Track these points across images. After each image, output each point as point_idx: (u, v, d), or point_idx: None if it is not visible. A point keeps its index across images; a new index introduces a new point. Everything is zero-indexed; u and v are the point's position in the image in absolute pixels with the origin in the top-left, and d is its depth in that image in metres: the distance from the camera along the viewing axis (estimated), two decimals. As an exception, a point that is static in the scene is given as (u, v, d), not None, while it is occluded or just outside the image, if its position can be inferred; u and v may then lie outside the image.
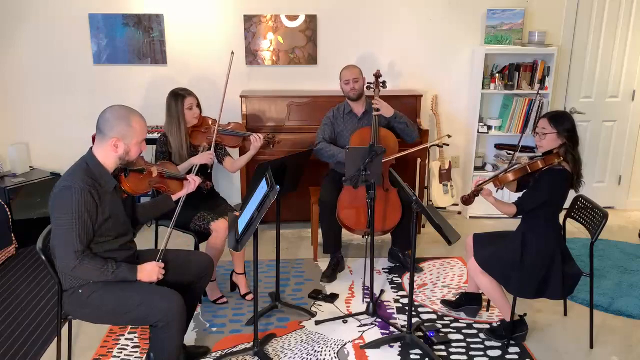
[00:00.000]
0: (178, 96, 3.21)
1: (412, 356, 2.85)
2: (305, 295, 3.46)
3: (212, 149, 3.26)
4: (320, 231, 3.85)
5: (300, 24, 4.53)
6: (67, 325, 2.64)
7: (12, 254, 3.99)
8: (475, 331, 3.08)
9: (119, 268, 2.29)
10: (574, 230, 3.99)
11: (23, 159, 4.46)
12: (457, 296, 3.34)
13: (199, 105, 3.30)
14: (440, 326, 3.12)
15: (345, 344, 2.95)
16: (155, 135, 4.13)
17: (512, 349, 2.90)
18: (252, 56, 4.57)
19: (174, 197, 2.74)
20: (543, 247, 2.78)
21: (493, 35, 4.55)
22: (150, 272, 2.36)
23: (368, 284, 3.31)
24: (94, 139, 2.50)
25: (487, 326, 3.09)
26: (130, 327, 3.07)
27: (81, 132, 4.30)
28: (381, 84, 3.71)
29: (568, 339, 3.01)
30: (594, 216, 2.87)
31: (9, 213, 3.95)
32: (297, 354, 2.86)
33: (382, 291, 3.54)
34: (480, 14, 4.59)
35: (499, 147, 4.82)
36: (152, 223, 4.47)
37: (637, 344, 2.99)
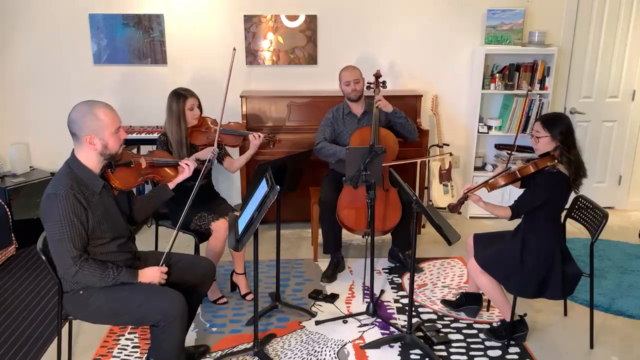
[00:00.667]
0: (180, 96, 3.21)
1: (412, 356, 2.85)
2: (305, 295, 3.46)
3: (215, 145, 3.25)
4: (320, 231, 3.85)
5: (300, 24, 4.53)
6: (67, 325, 2.65)
7: (12, 254, 3.99)
8: (475, 331, 3.08)
9: (120, 273, 2.28)
10: (574, 230, 3.99)
11: (23, 159, 4.45)
12: (457, 296, 3.34)
13: (199, 106, 3.30)
14: (440, 326, 3.12)
15: (345, 344, 2.95)
16: (156, 135, 4.14)
17: (512, 349, 2.90)
18: (252, 56, 4.57)
19: (171, 185, 2.71)
20: (543, 247, 2.78)
21: (493, 35, 4.55)
22: (151, 277, 2.36)
23: (368, 284, 3.31)
24: None
25: (487, 326, 3.09)
26: (131, 327, 3.07)
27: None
28: (381, 84, 3.71)
29: (568, 339, 3.01)
30: (594, 216, 2.87)
31: (9, 213, 3.95)
32: (297, 354, 2.86)
33: (382, 291, 3.54)
34: (480, 14, 4.59)
35: (499, 147, 4.82)
36: (152, 223, 4.48)
37: (637, 344, 2.99)
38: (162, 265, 2.43)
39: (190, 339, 2.93)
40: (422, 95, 4.52)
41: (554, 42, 4.64)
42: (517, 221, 2.95)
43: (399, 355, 2.86)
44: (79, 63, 4.52)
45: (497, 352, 2.88)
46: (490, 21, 4.52)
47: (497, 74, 4.56)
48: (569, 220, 3.06)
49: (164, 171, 2.73)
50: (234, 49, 3.42)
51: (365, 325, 3.14)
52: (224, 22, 4.52)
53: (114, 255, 2.36)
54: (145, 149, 4.06)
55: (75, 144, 2.28)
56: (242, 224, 2.52)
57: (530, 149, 4.58)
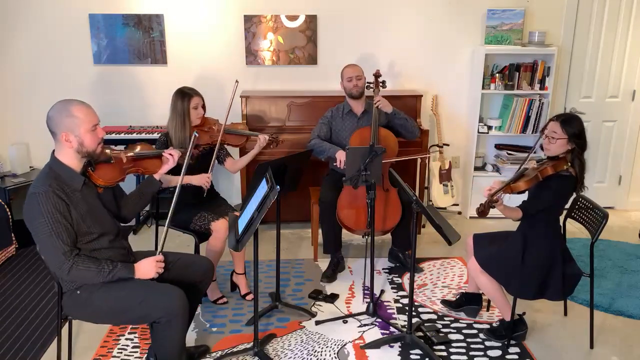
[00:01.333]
0: (185, 95, 3.21)
1: (412, 356, 2.85)
2: (305, 295, 3.46)
3: (211, 168, 3.24)
4: (320, 231, 3.85)
5: (300, 24, 4.53)
6: (67, 325, 2.65)
7: (12, 254, 3.99)
8: (475, 331, 3.08)
9: (116, 267, 2.28)
10: (574, 230, 3.99)
11: (23, 159, 4.46)
12: (457, 296, 3.34)
13: (204, 106, 3.30)
14: (440, 326, 3.12)
15: (345, 344, 2.95)
16: (156, 135, 4.14)
17: (512, 349, 2.90)
18: (252, 56, 4.57)
19: (157, 176, 2.70)
20: (543, 247, 2.77)
21: (493, 35, 4.55)
22: (147, 267, 2.35)
23: (368, 284, 3.31)
24: None
25: (487, 326, 3.09)
26: (131, 327, 3.07)
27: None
28: (381, 84, 3.72)
29: (568, 339, 3.01)
30: (594, 216, 2.87)
31: (9, 213, 3.95)
32: (297, 354, 2.86)
33: (382, 291, 3.54)
34: (480, 14, 4.59)
35: (499, 147, 4.82)
36: (152, 223, 4.49)
37: (637, 344, 2.99)
38: (158, 254, 2.41)
39: (190, 339, 2.93)
40: (422, 95, 4.52)
41: (554, 42, 4.64)
42: (518, 222, 2.95)
43: (399, 355, 2.86)
44: (79, 63, 4.52)
45: (497, 352, 2.88)
46: (490, 21, 4.52)
47: (497, 74, 4.56)
48: (569, 220, 3.06)
49: (147, 163, 2.70)
50: (237, 82, 3.42)
51: (365, 325, 3.14)
52: (224, 22, 4.52)
53: (106, 252, 2.35)
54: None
55: (55, 143, 2.30)
56: (242, 224, 2.52)
57: (530, 149, 4.60)
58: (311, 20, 4.52)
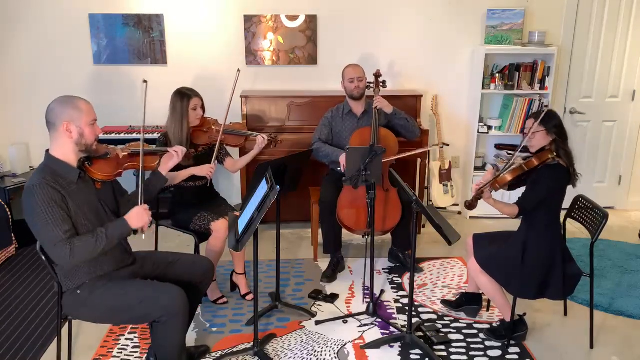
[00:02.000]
0: (184, 95, 3.21)
1: (412, 356, 2.85)
2: (305, 295, 3.46)
3: (214, 160, 3.24)
4: (320, 231, 3.85)
5: (300, 24, 4.53)
6: (67, 325, 2.65)
7: (12, 254, 3.99)
8: (475, 331, 3.08)
9: (109, 229, 2.26)
10: (574, 230, 3.99)
11: (23, 159, 4.46)
12: (457, 296, 3.34)
13: (203, 107, 3.30)
14: (440, 326, 3.12)
15: (345, 344, 2.95)
16: (156, 135, 4.14)
17: (512, 349, 2.90)
18: (252, 56, 4.57)
19: (163, 171, 2.70)
20: (544, 247, 2.78)
21: (493, 35, 4.55)
22: (138, 215, 2.32)
23: (368, 284, 3.31)
24: None
25: (487, 326, 3.09)
26: (131, 327, 3.07)
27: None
28: (381, 84, 3.72)
29: (568, 339, 3.01)
30: (594, 216, 2.87)
31: (9, 213, 3.95)
32: (297, 354, 2.86)
33: (382, 291, 3.54)
34: (480, 14, 4.59)
35: (499, 147, 4.82)
36: (152, 223, 4.48)
37: (637, 344, 2.99)
38: (140, 203, 2.38)
39: (190, 339, 2.93)
40: (422, 95, 4.52)
41: (554, 42, 4.64)
42: (518, 222, 2.95)
43: (399, 355, 2.86)
44: (79, 63, 4.52)
45: (497, 352, 2.88)
46: (490, 21, 4.52)
47: (497, 74, 4.56)
48: (569, 220, 3.06)
49: (144, 159, 2.69)
50: (238, 70, 3.42)
51: (365, 325, 3.14)
52: (224, 22, 4.52)
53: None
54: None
55: (51, 137, 2.31)
56: (242, 224, 2.52)
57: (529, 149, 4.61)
58: (311, 20, 4.52)
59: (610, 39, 4.67)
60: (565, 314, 3.25)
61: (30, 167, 4.51)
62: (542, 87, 4.56)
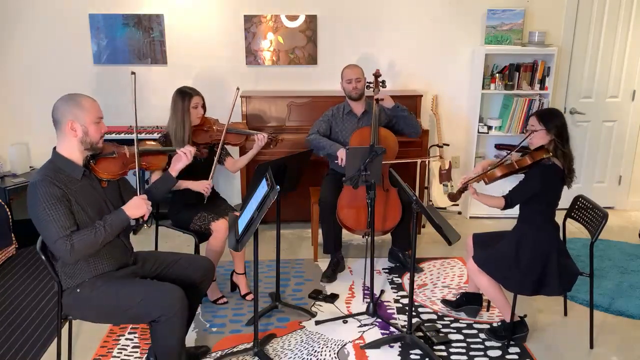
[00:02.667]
0: (185, 94, 3.21)
1: (412, 356, 2.85)
2: (305, 295, 3.46)
3: (212, 175, 3.24)
4: (320, 231, 3.85)
5: (300, 24, 4.53)
6: (67, 325, 2.64)
7: (12, 254, 3.99)
8: (475, 331, 3.08)
9: (107, 220, 2.27)
10: (574, 230, 3.99)
11: (23, 159, 4.46)
12: (457, 296, 3.34)
13: (204, 106, 3.30)
14: (440, 326, 3.12)
15: (345, 344, 2.95)
16: (156, 135, 4.14)
17: (512, 349, 2.90)
18: (252, 56, 4.57)
19: (174, 173, 2.69)
20: (539, 245, 2.78)
21: (493, 35, 4.55)
22: (137, 204, 2.34)
23: (368, 284, 3.31)
24: None
25: (487, 326, 3.09)
26: (131, 327, 3.07)
27: (81, 132, 4.30)
28: (380, 84, 3.71)
29: (568, 339, 3.01)
30: (594, 216, 2.87)
31: (9, 213, 3.95)
32: (297, 354, 2.86)
33: (382, 291, 3.54)
34: (480, 14, 4.59)
35: (499, 147, 4.81)
36: (152, 223, 4.48)
37: (637, 344, 2.99)
38: (138, 194, 2.40)
39: (190, 339, 2.93)
40: (422, 95, 4.52)
41: (554, 42, 4.64)
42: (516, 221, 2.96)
43: (399, 355, 2.86)
44: (79, 63, 4.52)
45: (497, 352, 2.88)
46: (490, 21, 4.52)
47: (497, 74, 4.56)
48: (568, 220, 3.06)
49: (151, 158, 2.69)
50: (237, 89, 3.41)
51: (365, 325, 3.14)
52: (224, 22, 4.52)
53: (106, 245, 2.33)
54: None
55: (57, 135, 2.32)
56: (242, 224, 2.52)
57: (529, 149, 4.60)
58: (311, 20, 4.52)
59: (610, 39, 4.67)
60: (565, 314, 3.25)
61: (30, 167, 4.51)
62: (542, 87, 4.56)
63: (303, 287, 3.58)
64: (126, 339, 2.98)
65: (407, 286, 3.57)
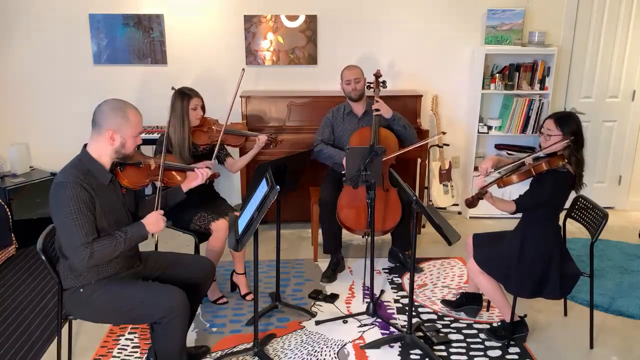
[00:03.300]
0: (184, 95, 3.21)
1: (412, 356, 2.85)
2: (305, 295, 3.46)
3: (214, 157, 3.24)
4: (320, 231, 3.85)
5: (300, 24, 4.53)
6: (67, 325, 2.64)
7: (12, 254, 3.99)
8: (475, 331, 3.08)
9: (127, 233, 2.28)
10: (574, 230, 3.99)
11: (23, 159, 4.45)
12: (457, 296, 3.34)
13: (203, 107, 3.30)
14: (440, 326, 3.12)
15: (345, 344, 2.95)
16: (156, 136, 4.14)
17: (512, 349, 2.90)
18: (252, 56, 4.57)
19: (185, 188, 2.72)
20: (542, 246, 2.77)
21: (493, 35, 4.55)
22: (156, 221, 2.36)
23: (368, 284, 3.31)
24: None
25: (487, 326, 3.09)
26: (131, 327, 3.07)
27: (81, 132, 4.23)
28: (381, 84, 3.71)
29: (568, 339, 3.01)
30: (594, 216, 2.87)
31: (9, 213, 3.95)
32: (297, 354, 2.86)
33: (382, 291, 3.54)
34: (480, 14, 4.59)
35: (499, 147, 4.82)
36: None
37: (637, 344, 2.99)
38: (157, 209, 2.41)
39: (190, 339, 2.93)
40: (422, 95, 4.52)
41: (554, 42, 4.64)
42: (517, 221, 2.95)
43: (399, 355, 2.86)
44: (79, 63, 4.52)
45: (497, 352, 2.88)
46: (490, 21, 4.52)
47: (497, 74, 4.56)
48: (569, 220, 3.06)
49: (171, 174, 2.75)
50: (243, 69, 3.43)
51: (365, 325, 3.14)
52: (224, 22, 4.52)
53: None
54: (145, 149, 4.06)
55: (92, 135, 2.30)
56: (242, 224, 2.52)
57: (530, 149, 4.60)
58: (311, 20, 4.52)
59: (610, 39, 4.67)
60: (565, 314, 3.25)
61: (30, 167, 4.51)
62: (542, 87, 4.56)
63: (303, 287, 3.58)
64: (126, 339, 2.98)
65: (407, 286, 3.57)
